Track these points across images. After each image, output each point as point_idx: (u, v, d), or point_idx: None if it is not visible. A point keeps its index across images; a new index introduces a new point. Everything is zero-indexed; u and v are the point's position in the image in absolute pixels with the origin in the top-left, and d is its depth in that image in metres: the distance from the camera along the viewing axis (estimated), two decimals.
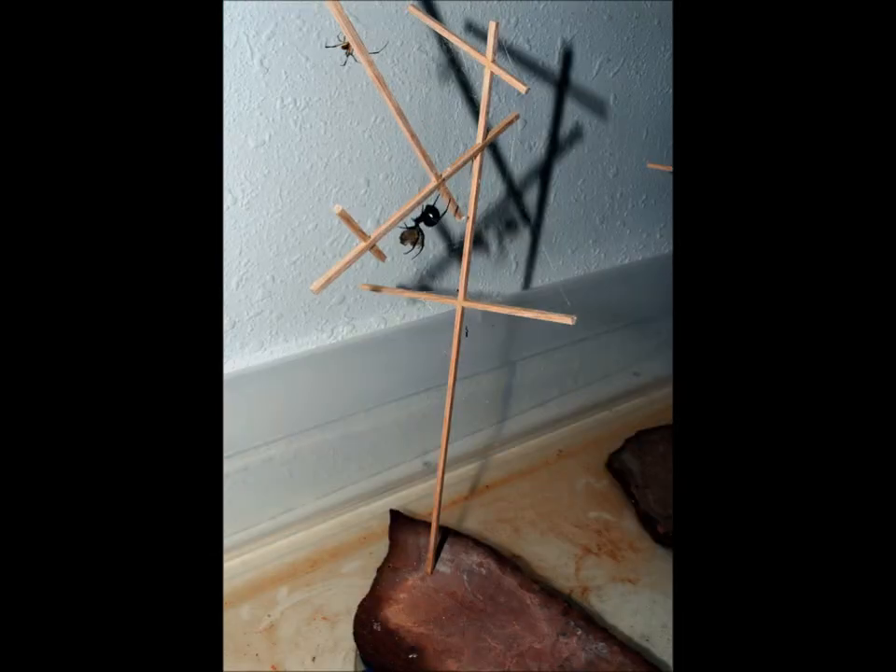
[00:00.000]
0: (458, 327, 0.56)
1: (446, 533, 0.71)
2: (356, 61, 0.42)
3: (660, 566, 0.74)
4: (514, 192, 0.81)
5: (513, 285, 0.88)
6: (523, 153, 0.79)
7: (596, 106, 0.83)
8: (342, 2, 0.40)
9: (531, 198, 0.83)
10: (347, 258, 0.44)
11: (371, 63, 0.42)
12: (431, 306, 0.81)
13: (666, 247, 1.03)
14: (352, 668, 0.62)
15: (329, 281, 0.43)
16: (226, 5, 0.54)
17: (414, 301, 0.79)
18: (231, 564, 0.71)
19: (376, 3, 0.61)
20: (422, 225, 0.62)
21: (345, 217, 0.42)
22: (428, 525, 0.68)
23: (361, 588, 0.67)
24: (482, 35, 0.67)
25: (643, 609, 0.69)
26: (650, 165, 0.75)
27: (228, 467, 0.70)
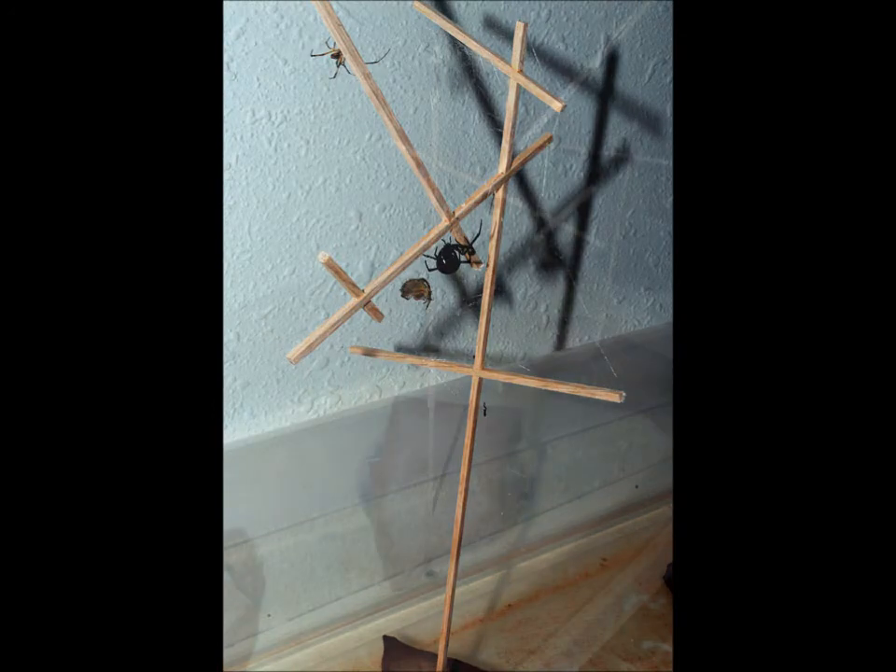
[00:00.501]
0: (475, 402, 0.56)
1: (456, 667, 0.70)
2: (348, 72, 0.43)
3: None
4: (545, 228, 0.82)
5: (544, 345, 0.88)
6: (556, 179, 0.80)
7: (649, 119, 0.84)
8: (332, 1, 0.41)
9: (566, 235, 0.84)
10: (334, 318, 0.44)
11: (367, 76, 0.43)
12: (439, 373, 0.81)
13: None
14: None
15: (311, 348, 0.43)
16: None
17: (417, 365, 0.79)
18: None
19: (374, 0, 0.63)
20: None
21: (333, 268, 0.42)
22: (433, 656, 0.67)
23: None
24: (503, 32, 0.68)
25: None
26: None
27: None
